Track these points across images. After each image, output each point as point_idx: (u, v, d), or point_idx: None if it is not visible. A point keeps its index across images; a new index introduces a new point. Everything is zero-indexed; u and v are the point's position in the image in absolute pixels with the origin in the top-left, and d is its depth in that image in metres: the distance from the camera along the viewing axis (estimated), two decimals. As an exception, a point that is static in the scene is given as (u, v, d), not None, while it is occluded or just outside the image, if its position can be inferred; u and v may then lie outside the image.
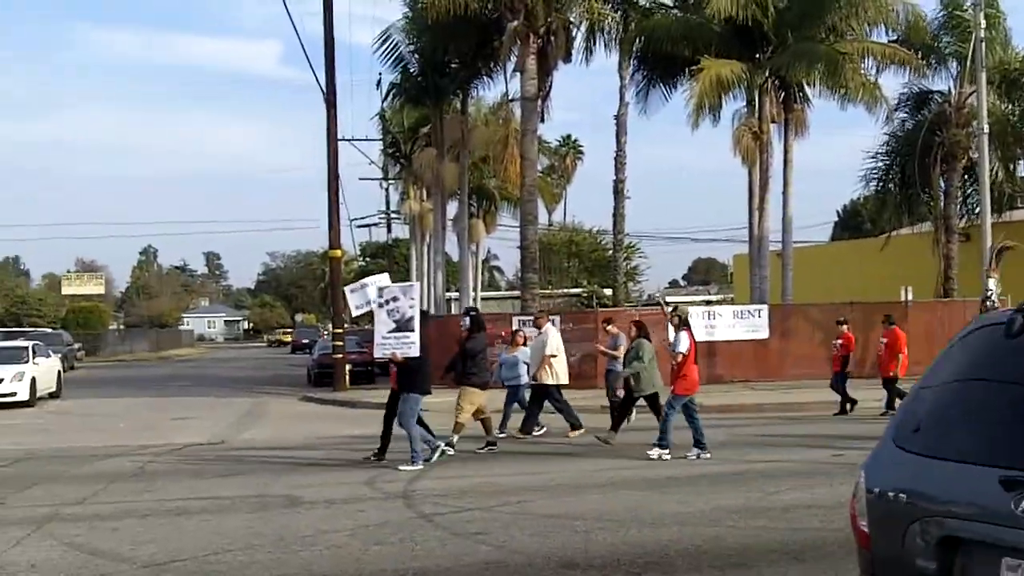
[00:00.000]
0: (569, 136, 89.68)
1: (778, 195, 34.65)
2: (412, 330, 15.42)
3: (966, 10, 32.96)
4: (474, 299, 45.03)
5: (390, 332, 15.69)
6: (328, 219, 32.39)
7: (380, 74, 45.96)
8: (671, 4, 36.83)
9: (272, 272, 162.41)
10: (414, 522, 10.87)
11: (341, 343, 31.88)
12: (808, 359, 28.45)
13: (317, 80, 31.97)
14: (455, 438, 16.49)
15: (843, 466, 14.14)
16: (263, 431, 22.20)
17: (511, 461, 15.81)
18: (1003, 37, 34.91)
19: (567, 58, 33.67)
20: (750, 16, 31.91)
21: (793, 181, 34.76)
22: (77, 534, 10.60)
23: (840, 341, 22.21)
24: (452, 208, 45.93)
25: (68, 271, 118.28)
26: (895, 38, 34.95)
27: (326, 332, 35.99)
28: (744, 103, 34.65)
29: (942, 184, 35.32)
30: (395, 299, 15.82)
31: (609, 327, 19.65)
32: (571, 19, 33.26)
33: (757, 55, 33.63)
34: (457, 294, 45.25)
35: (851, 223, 78.56)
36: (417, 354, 15.28)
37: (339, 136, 33.11)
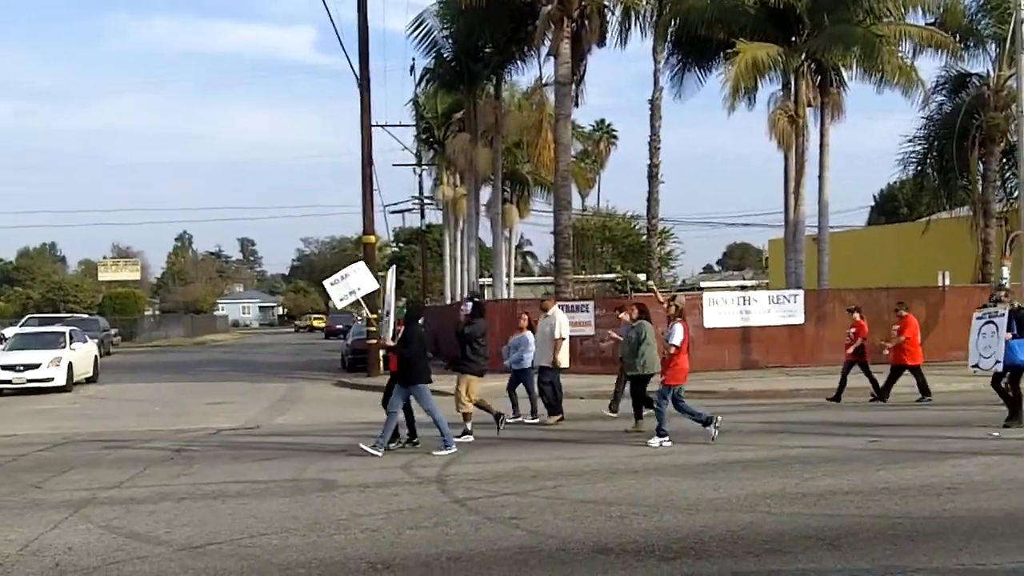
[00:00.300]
0: (603, 121, 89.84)
1: (814, 179, 34.45)
2: (388, 313, 15.61)
3: (1005, -9, 32.60)
4: (507, 284, 45.10)
5: (389, 317, 15.97)
6: (362, 205, 32.43)
7: (413, 59, 46.04)
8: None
9: (306, 258, 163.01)
10: (448, 507, 10.87)
11: (374, 328, 31.93)
12: (844, 345, 28.26)
13: (351, 66, 31.98)
14: (469, 425, 16.42)
15: (879, 452, 14.07)
16: (297, 416, 22.26)
17: (545, 447, 15.78)
18: (1043, 18, 34.51)
19: (601, 42, 33.52)
20: (785, -2, 31.74)
21: (829, 165, 34.53)
22: (114, 517, 10.66)
23: (853, 329, 22.02)
24: (485, 193, 45.92)
25: (104, 257, 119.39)
26: (932, 21, 34.63)
27: (360, 318, 35.96)
28: (780, 86, 34.43)
29: (980, 168, 35.02)
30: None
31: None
32: (605, 2, 33.07)
33: (793, 38, 33.40)
34: (490, 279, 45.28)
35: (887, 207, 78.01)
36: (391, 333, 15.31)
37: (373, 122, 33.12)
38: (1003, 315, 16.86)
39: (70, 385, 29.91)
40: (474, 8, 32.69)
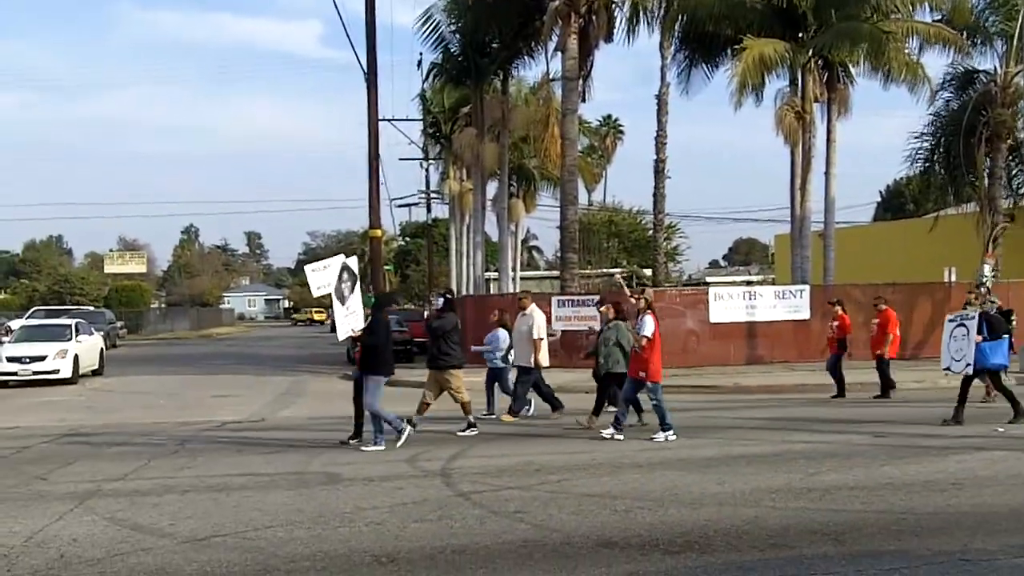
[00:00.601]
0: (610, 116, 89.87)
1: (821, 175, 34.48)
2: (356, 303, 15.58)
3: (1013, -11, 32.57)
4: (513, 279, 45.10)
5: (348, 310, 15.82)
6: (368, 199, 32.34)
7: (421, 54, 46.10)
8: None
9: (312, 251, 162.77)
10: (453, 500, 10.88)
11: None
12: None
13: (358, 60, 31.88)
14: (472, 418, 16.45)
15: (883, 448, 14.06)
16: (302, 409, 22.28)
17: (550, 441, 15.80)
18: (1051, 16, 34.44)
19: (608, 38, 33.52)
20: (792, -6, 31.73)
21: (836, 161, 34.53)
22: (118, 509, 10.68)
23: (836, 323, 22.03)
24: (492, 188, 45.95)
25: (111, 250, 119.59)
26: (939, 17, 34.58)
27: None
28: (787, 83, 34.46)
29: (987, 164, 34.96)
30: (342, 280, 15.88)
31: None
32: (613, -2, 33.08)
33: (800, 34, 33.37)
34: (496, 274, 45.27)
35: (894, 204, 77.94)
36: (361, 322, 15.25)
37: (380, 116, 33.05)
38: (974, 318, 16.96)
39: (76, 377, 29.97)
40: (482, 3, 32.72)
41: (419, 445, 15.10)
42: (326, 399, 24.34)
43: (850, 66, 34.58)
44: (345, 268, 16.09)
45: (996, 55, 34.82)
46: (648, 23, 35.19)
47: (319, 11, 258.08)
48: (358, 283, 15.95)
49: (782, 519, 9.68)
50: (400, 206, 72.78)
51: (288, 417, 20.55)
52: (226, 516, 10.24)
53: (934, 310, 29.39)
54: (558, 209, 35.36)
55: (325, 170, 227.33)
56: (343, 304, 15.90)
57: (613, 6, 33.26)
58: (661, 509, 10.19)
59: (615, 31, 33.89)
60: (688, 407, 20.18)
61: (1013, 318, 21.06)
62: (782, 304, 30.78)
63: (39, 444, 16.41)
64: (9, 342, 31.21)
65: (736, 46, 32.11)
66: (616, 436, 15.34)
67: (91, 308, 64.14)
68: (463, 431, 16.03)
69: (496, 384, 19.33)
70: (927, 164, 37.32)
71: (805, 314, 30.62)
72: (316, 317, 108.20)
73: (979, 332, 16.65)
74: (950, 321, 17.63)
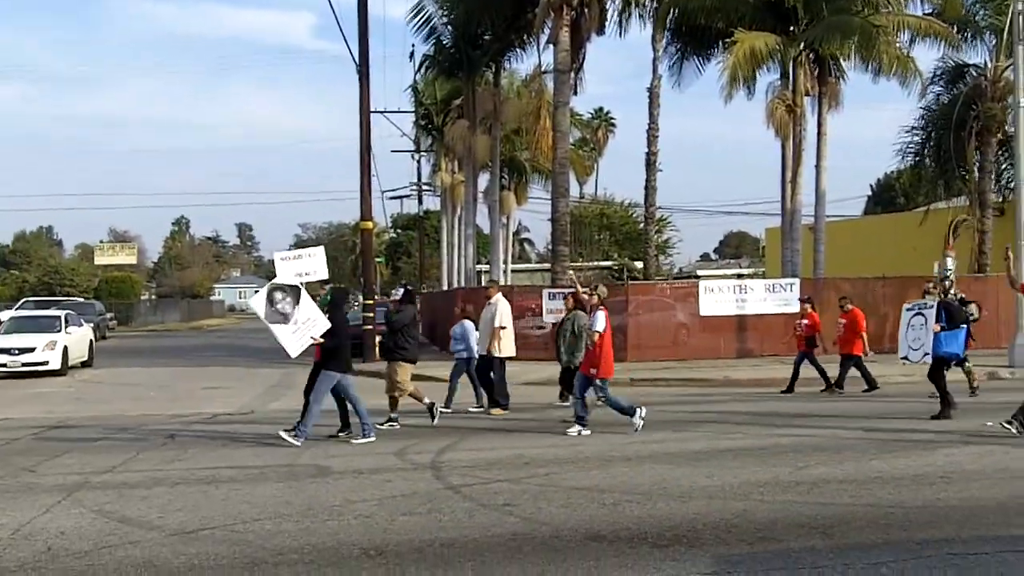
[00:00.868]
0: (601, 109, 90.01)
1: (811, 168, 34.57)
2: (308, 311, 15.28)
3: (1003, -18, 32.57)
4: (504, 271, 45.11)
5: (296, 325, 15.35)
6: (360, 191, 32.36)
7: (413, 46, 46.20)
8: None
9: (304, 243, 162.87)
10: (442, 493, 10.88)
11: (371, 314, 31.85)
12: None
13: (350, 52, 31.86)
14: (395, 414, 16.55)
15: (872, 442, 14.08)
16: (292, 401, 22.12)
17: (538, 434, 15.79)
18: (1041, 9, 34.48)
19: (600, 30, 33.52)
20: (783, -12, 31.72)
21: (827, 154, 34.59)
22: (107, 502, 10.66)
23: (805, 321, 22.07)
24: (483, 180, 45.97)
25: (101, 241, 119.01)
26: (930, 11, 34.63)
27: (357, 304, 35.91)
28: (778, 76, 34.42)
29: (977, 158, 35.03)
30: (274, 302, 15.39)
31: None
32: (605, -10, 33.04)
33: (791, 27, 33.38)
34: (488, 266, 45.29)
35: (884, 197, 78.03)
36: (322, 326, 15.16)
37: (371, 108, 33.03)
38: (932, 307, 16.94)
39: (65, 369, 29.93)
40: (474, -5, 32.69)
41: (408, 438, 15.11)
42: (316, 391, 24.28)
43: (841, 59, 34.62)
44: (276, 288, 15.51)
45: (987, 49, 34.97)
46: (640, 16, 35.33)
47: (312, 2, 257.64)
48: (302, 293, 15.51)
49: (771, 512, 9.70)
50: (392, 198, 72.91)
51: (278, 409, 20.49)
52: (215, 509, 10.23)
53: (924, 304, 29.40)
54: (549, 202, 35.38)
55: (317, 162, 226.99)
56: (288, 322, 15.40)
57: (605, -2, 33.26)
58: (650, 502, 10.19)
59: (607, 24, 33.95)
60: (678, 400, 20.22)
61: (973, 310, 20.58)
62: (772, 297, 30.79)
63: (27, 436, 16.38)
64: (-1, 333, 31.15)
65: (727, 39, 32.12)
66: (583, 431, 15.32)
67: (81, 299, 63.98)
68: (381, 425, 15.94)
69: (466, 375, 19.38)
70: (918, 158, 37.43)
71: (795, 307, 30.55)
72: None
73: (937, 321, 16.62)
74: (908, 310, 17.63)
